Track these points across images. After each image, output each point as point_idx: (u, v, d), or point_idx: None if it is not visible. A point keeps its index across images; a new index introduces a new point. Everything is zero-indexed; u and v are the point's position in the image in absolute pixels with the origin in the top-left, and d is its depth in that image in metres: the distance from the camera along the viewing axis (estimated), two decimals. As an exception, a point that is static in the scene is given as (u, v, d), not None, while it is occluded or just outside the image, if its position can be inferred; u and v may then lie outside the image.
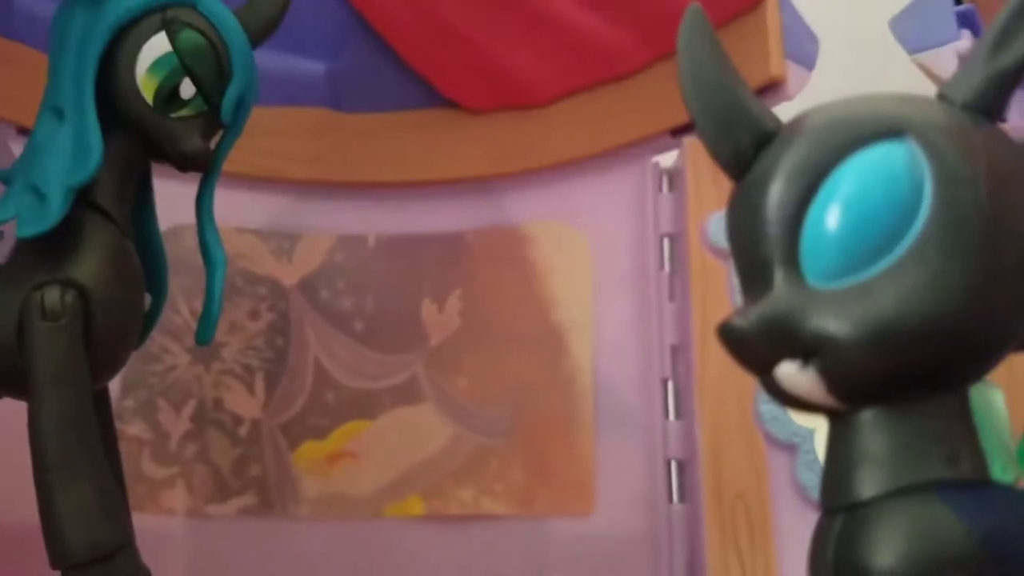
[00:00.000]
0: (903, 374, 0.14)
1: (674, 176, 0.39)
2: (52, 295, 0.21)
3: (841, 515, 0.14)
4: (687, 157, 0.37)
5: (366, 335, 0.41)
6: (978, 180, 0.14)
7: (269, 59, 0.34)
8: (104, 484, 0.21)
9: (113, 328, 0.22)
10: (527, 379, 0.38)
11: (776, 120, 0.16)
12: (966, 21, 0.35)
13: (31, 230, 0.21)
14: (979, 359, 0.14)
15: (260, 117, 0.27)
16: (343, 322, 0.41)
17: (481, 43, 0.40)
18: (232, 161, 0.26)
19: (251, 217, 0.41)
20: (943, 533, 0.13)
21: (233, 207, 0.38)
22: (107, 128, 0.22)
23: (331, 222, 0.42)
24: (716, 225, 0.35)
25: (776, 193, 0.15)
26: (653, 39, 0.37)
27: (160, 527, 0.37)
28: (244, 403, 0.40)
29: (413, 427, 0.40)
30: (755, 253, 0.15)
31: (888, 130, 0.14)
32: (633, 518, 0.36)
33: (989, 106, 0.15)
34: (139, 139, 0.23)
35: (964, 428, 0.14)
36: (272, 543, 0.38)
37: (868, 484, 0.14)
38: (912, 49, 0.36)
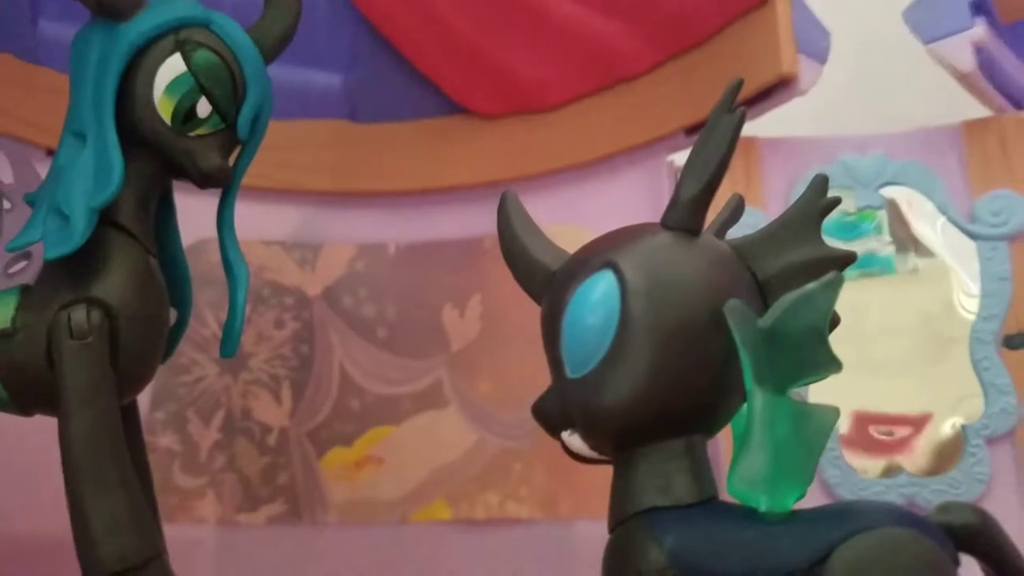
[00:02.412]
0: (618, 435, 0.19)
1: (689, 174, 0.39)
2: (79, 314, 0.22)
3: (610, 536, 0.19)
4: (701, 155, 0.37)
5: (389, 342, 0.41)
6: (653, 291, 0.19)
7: (285, 73, 0.35)
8: (133, 497, 0.21)
9: (139, 344, 0.23)
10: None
11: (559, 261, 0.21)
12: (980, 9, 0.35)
13: (56, 252, 0.22)
14: (669, 427, 0.19)
15: (278, 130, 0.28)
16: (366, 329, 0.41)
17: (490, 50, 0.40)
18: (253, 175, 0.27)
19: (275, 229, 0.42)
20: (640, 550, 0.18)
21: (257, 220, 0.39)
22: (127, 149, 0.23)
23: (351, 231, 0.43)
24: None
25: (545, 315, 0.21)
26: (660, 41, 0.37)
27: (192, 536, 0.38)
28: (272, 412, 0.41)
29: (437, 432, 0.40)
30: (548, 353, 0.20)
31: (601, 264, 0.19)
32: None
33: (689, 224, 0.20)
34: (159, 158, 0.24)
35: (679, 464, 0.19)
36: (301, 550, 0.39)
37: (612, 515, 0.19)
38: (926, 39, 0.35)
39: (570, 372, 0.20)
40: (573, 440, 0.20)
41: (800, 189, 0.35)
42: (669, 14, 0.36)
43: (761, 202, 0.35)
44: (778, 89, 0.33)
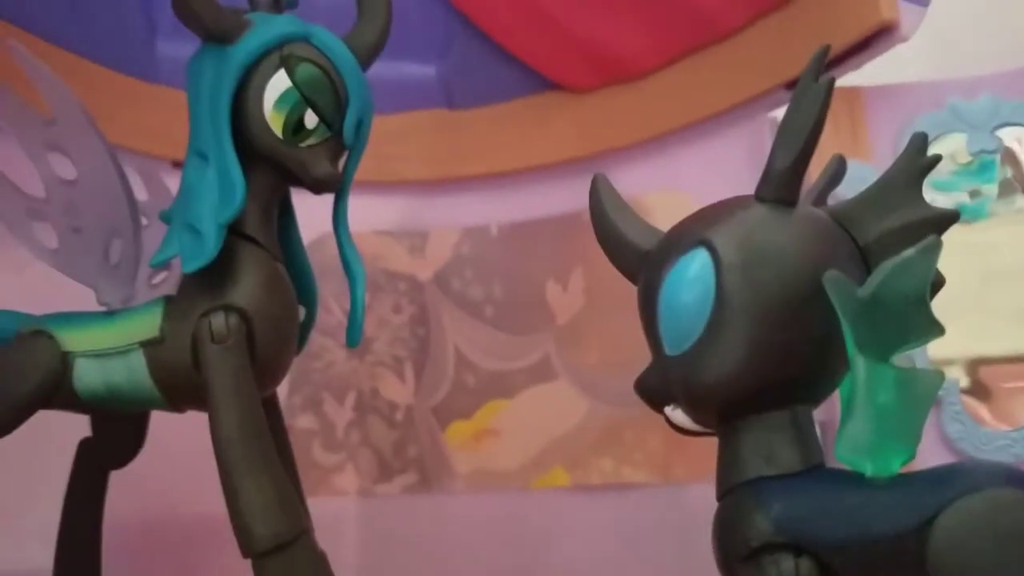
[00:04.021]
0: (721, 410, 0.19)
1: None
2: (218, 320, 0.24)
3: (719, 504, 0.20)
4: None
5: (497, 319, 0.43)
6: (748, 267, 0.18)
7: (382, 69, 0.36)
8: (280, 480, 0.23)
9: (273, 342, 0.25)
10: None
11: (652, 240, 0.21)
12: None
13: (193, 265, 0.24)
14: (772, 399, 0.19)
15: (380, 125, 0.29)
16: (475, 309, 0.43)
17: (578, 25, 0.40)
18: (361, 170, 0.28)
19: (385, 219, 0.44)
20: (747, 517, 0.18)
21: (368, 212, 0.41)
22: (247, 163, 0.24)
23: (455, 216, 0.44)
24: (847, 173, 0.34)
25: (642, 295, 0.21)
26: (751, -2, 0.36)
27: (334, 507, 0.41)
28: (397, 390, 0.44)
29: (549, 403, 0.41)
30: (647, 332, 0.21)
31: (694, 242, 0.20)
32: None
33: (784, 196, 0.20)
34: (276, 169, 0.25)
35: (783, 435, 0.19)
36: (433, 515, 0.42)
37: (719, 485, 0.20)
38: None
39: (669, 349, 0.20)
40: (676, 414, 0.20)
41: (908, 137, 0.34)
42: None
43: (868, 153, 0.34)
44: (879, 37, 0.31)
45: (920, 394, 0.17)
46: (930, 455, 0.31)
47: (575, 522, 0.40)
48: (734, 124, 0.39)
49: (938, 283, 0.19)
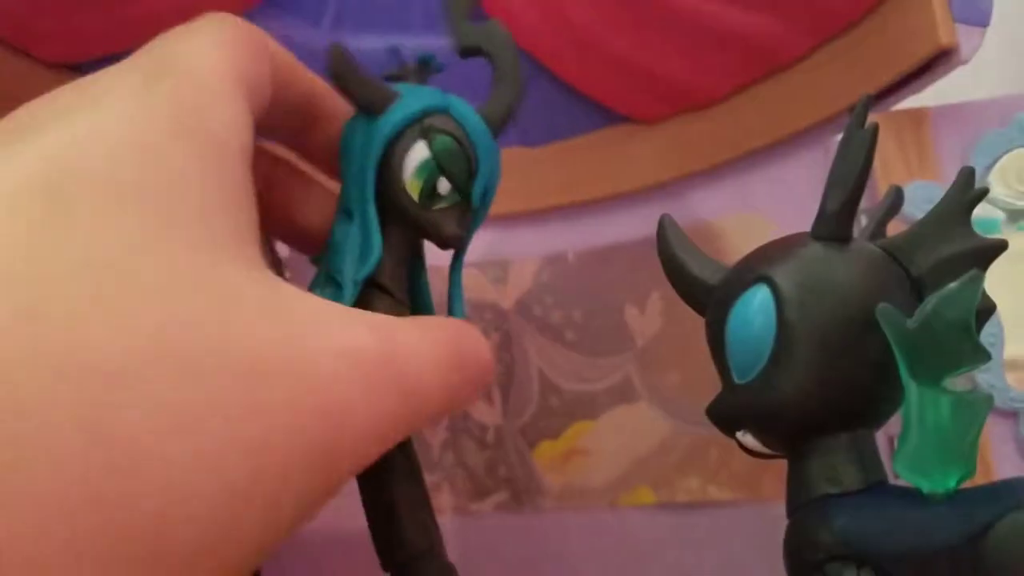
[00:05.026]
0: (787, 434, 0.21)
1: (857, 151, 0.39)
2: None
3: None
4: (867, 132, 0.37)
5: (578, 343, 0.45)
6: (806, 301, 0.20)
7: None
8: (415, 494, 0.27)
9: None
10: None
11: (717, 275, 0.23)
12: None
13: None
14: (835, 423, 0.21)
15: None
16: (556, 334, 0.45)
17: (644, 61, 0.42)
18: None
19: (470, 254, 0.47)
20: (813, 533, 0.20)
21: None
22: (385, 221, 0.27)
23: (534, 246, 0.47)
24: (913, 193, 0.35)
25: (709, 327, 0.23)
26: (809, 27, 0.37)
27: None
28: (486, 413, 0.46)
29: (632, 424, 0.43)
30: (716, 362, 0.23)
31: (755, 279, 0.21)
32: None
33: (837, 234, 0.21)
34: (410, 227, 0.27)
35: (846, 456, 0.21)
36: (525, 533, 0.44)
37: (789, 504, 0.22)
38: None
39: (737, 378, 0.22)
40: (747, 439, 0.22)
41: (977, 155, 0.34)
42: (810, 3, 0.36)
43: (936, 173, 0.34)
44: (939, 62, 0.32)
45: (971, 416, 0.18)
46: (1009, 464, 0.31)
47: (664, 538, 0.41)
48: (802, 147, 0.40)
49: (987, 310, 0.20)
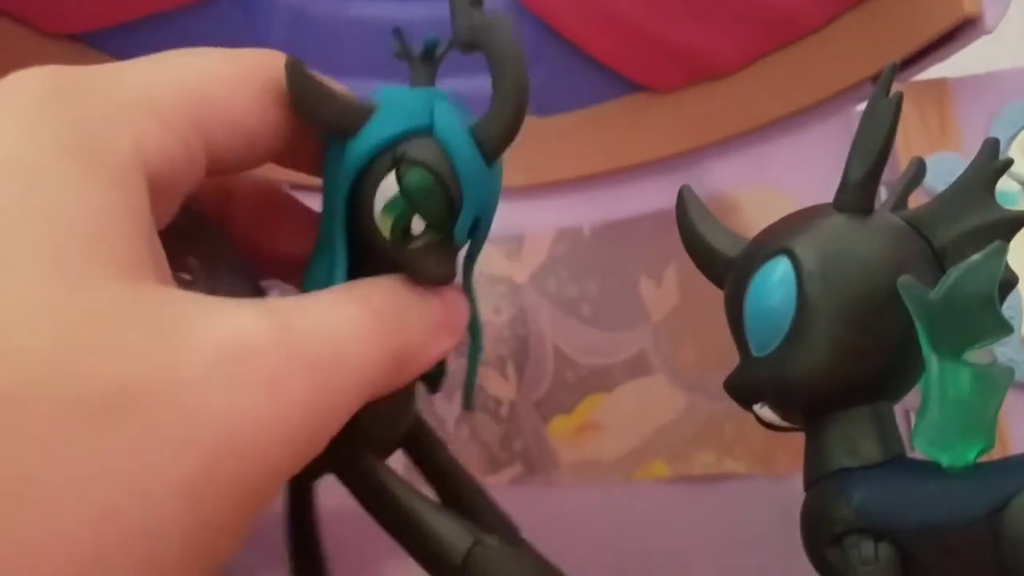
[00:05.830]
0: (806, 407, 0.21)
1: (878, 122, 0.38)
2: None
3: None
4: (889, 102, 0.36)
5: (593, 317, 0.45)
6: (827, 273, 0.20)
7: (472, 83, 0.38)
8: (425, 502, 0.25)
9: (386, 408, 0.25)
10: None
11: (736, 247, 0.23)
12: None
13: None
14: (854, 396, 0.20)
15: None
16: (571, 308, 0.45)
17: (661, 30, 0.42)
18: None
19: (482, 226, 0.47)
20: (831, 505, 0.20)
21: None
22: (363, 255, 0.24)
23: (549, 219, 0.46)
24: (935, 165, 0.34)
25: (728, 300, 0.22)
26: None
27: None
28: (501, 387, 0.46)
29: (648, 398, 0.43)
30: (734, 334, 0.22)
31: (775, 251, 0.21)
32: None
33: (860, 205, 0.21)
34: (390, 265, 0.24)
35: (865, 429, 0.20)
36: (540, 505, 0.44)
37: (806, 477, 0.21)
38: None
39: (755, 351, 0.21)
40: (764, 412, 0.22)
41: (998, 126, 0.34)
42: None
43: (958, 144, 0.34)
44: (963, 30, 0.31)
45: (992, 389, 0.18)
46: (1029, 444, 0.31)
47: (678, 511, 0.41)
48: (822, 118, 0.40)
49: (1010, 282, 0.19)
